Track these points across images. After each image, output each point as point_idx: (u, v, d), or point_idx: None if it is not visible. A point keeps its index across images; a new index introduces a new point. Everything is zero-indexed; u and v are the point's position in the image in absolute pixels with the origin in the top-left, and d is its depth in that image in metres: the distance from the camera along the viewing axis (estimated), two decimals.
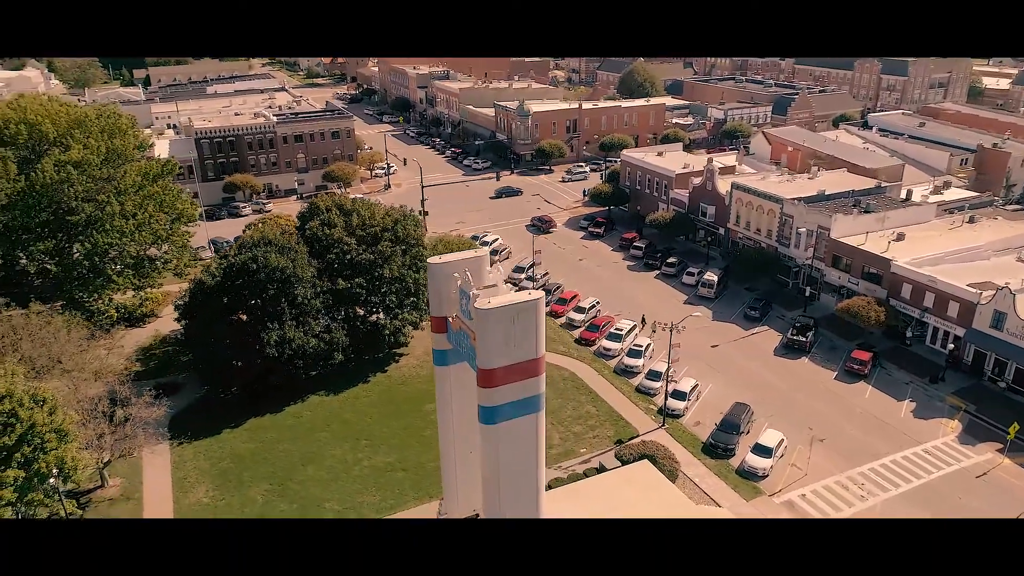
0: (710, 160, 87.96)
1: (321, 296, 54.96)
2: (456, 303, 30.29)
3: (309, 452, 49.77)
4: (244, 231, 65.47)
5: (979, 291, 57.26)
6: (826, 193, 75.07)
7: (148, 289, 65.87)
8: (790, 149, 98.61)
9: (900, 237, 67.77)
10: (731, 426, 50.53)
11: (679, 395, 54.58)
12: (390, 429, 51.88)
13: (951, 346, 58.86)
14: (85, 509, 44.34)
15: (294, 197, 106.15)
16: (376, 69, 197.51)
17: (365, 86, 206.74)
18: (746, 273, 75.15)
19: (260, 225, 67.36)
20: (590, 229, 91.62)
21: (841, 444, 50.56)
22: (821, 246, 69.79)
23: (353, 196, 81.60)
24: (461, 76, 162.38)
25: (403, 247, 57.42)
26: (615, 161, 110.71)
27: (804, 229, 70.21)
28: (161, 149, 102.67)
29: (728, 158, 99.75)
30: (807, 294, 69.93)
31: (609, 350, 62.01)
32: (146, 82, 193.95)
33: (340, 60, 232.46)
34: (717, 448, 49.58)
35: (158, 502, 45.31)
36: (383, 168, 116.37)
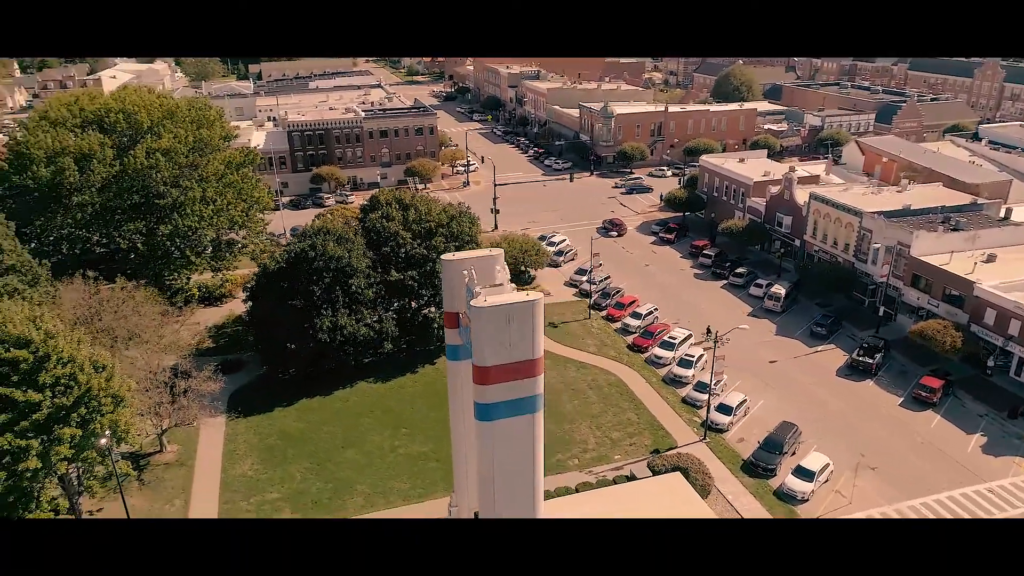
0: (791, 168, 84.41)
1: (375, 287, 56.85)
2: (465, 300, 30.76)
3: (351, 436, 51.71)
4: (313, 220, 68.51)
5: None
6: (911, 208, 70.51)
7: (226, 271, 70.07)
8: (884, 160, 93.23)
9: (991, 259, 62.89)
10: (774, 445, 48.61)
11: (725, 409, 52.98)
12: (430, 420, 53.07)
13: None
14: (143, 470, 47.95)
15: (376, 190, 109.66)
16: (471, 68, 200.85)
17: (460, 84, 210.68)
18: (818, 288, 71.76)
19: (328, 215, 70.28)
20: (661, 234, 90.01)
21: (895, 474, 47.60)
22: (900, 264, 65.69)
23: (431, 192, 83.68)
24: (552, 76, 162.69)
25: (456, 244, 58.48)
26: (697, 166, 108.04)
27: (882, 245, 66.28)
28: (258, 140, 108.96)
29: (817, 167, 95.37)
30: (881, 314, 66.02)
31: (660, 358, 60.87)
32: (259, 76, 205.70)
33: (439, 59, 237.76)
34: (757, 467, 47.83)
35: (208, 470, 48.35)
36: (464, 165, 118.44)
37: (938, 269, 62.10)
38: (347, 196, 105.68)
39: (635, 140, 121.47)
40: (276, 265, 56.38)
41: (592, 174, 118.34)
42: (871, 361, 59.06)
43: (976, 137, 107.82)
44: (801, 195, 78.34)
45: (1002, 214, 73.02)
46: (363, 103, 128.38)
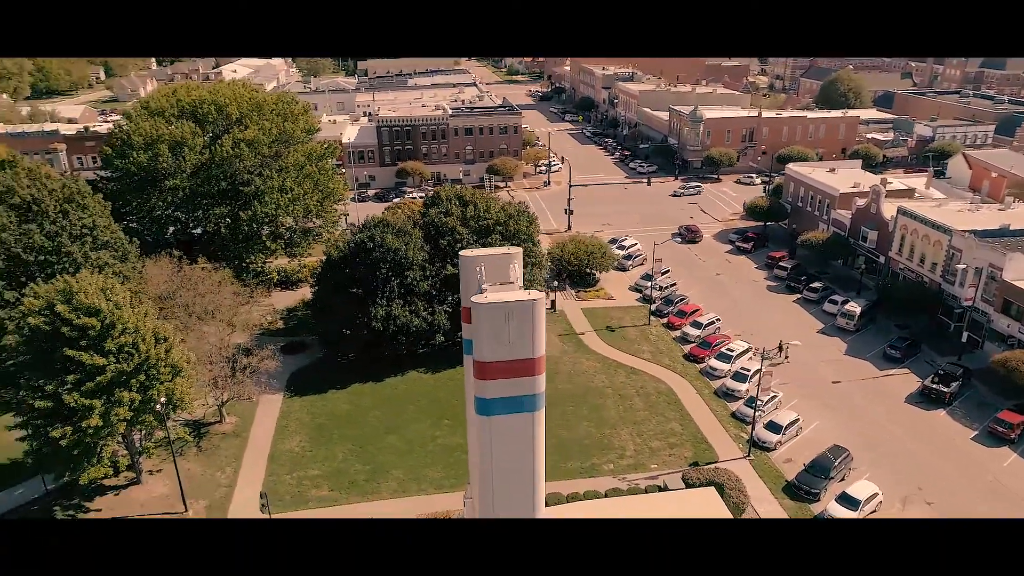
0: (882, 180, 79.71)
1: (430, 279, 58.35)
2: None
3: (395, 422, 53.40)
4: (383, 212, 71.00)
5: None
6: (1010, 228, 65.07)
7: (301, 258, 73.82)
8: (993, 175, 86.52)
9: None
10: (820, 469, 46.33)
11: (774, 427, 50.98)
12: None
13: None
14: (202, 438, 51.43)
15: (459, 187, 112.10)
16: (568, 68, 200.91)
17: (556, 85, 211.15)
18: (899, 308, 67.49)
19: (395, 209, 72.57)
20: (738, 243, 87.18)
21: (953, 513, 44.24)
22: (991, 287, 60.83)
23: (511, 190, 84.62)
24: (648, 78, 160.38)
25: (512, 242, 59.08)
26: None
27: (970, 265, 61.61)
28: (350, 134, 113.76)
29: (918, 180, 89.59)
30: (965, 340, 61.39)
31: (715, 370, 59.20)
32: (364, 73, 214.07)
33: (539, 59, 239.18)
34: (800, 490, 45.76)
35: (259, 443, 51.27)
36: (546, 165, 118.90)
37: None
38: (429, 191, 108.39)
39: (724, 146, 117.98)
40: (339, 254, 58.93)
41: (676, 179, 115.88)
42: (946, 389, 55.08)
43: None
44: (889, 209, 73.86)
45: None
46: (454, 101, 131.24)
